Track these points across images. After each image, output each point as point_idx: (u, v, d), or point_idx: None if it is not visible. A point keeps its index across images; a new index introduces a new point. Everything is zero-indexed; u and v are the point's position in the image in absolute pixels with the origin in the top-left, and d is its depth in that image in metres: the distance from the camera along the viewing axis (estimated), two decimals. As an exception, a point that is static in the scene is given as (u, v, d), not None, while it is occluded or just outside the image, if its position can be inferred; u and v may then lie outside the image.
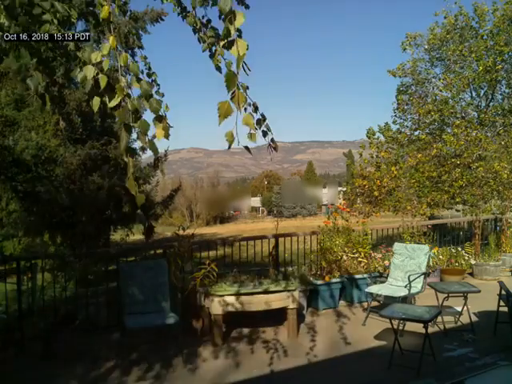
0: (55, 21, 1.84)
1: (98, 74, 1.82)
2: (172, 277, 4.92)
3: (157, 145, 1.95)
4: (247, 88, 1.89)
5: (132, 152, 1.87)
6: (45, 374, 4.06)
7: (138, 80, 1.89)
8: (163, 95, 2.50)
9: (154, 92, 2.53)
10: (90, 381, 3.94)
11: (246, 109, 1.92)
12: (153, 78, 2.61)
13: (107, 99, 1.85)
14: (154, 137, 1.94)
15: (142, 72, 2.54)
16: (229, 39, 1.82)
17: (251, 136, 1.91)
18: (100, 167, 11.07)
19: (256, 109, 2.04)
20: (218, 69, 2.12)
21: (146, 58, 2.64)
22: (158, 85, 2.59)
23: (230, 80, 1.81)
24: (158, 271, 4.70)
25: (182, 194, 39.71)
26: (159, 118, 1.89)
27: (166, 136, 1.90)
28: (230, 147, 1.86)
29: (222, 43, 1.90)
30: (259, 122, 2.03)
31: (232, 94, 1.81)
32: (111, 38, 1.78)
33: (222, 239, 7.69)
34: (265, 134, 2.04)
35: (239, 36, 2.21)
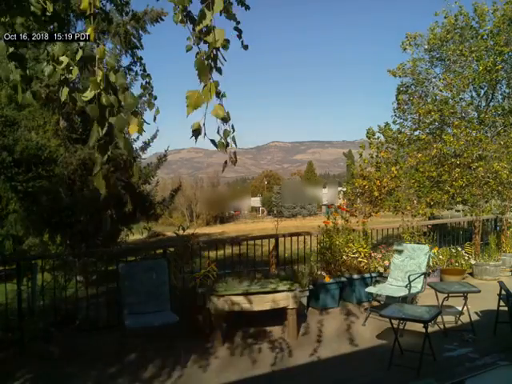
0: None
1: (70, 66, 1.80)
2: (172, 276, 4.92)
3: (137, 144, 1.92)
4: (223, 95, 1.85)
5: (103, 149, 1.83)
6: (45, 373, 4.06)
7: (115, 72, 1.85)
8: (156, 98, 2.50)
9: (147, 94, 2.53)
10: (89, 381, 3.94)
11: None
12: (147, 79, 2.60)
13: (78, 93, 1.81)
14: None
15: (137, 73, 2.53)
16: (207, 25, 1.74)
17: (219, 145, 1.89)
18: (100, 167, 11.04)
19: (226, 119, 1.96)
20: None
21: (141, 58, 2.64)
22: (152, 87, 2.58)
23: (201, 70, 1.75)
24: (158, 271, 4.70)
25: (182, 193, 39.70)
26: (134, 113, 1.86)
27: (140, 131, 1.87)
28: (196, 139, 1.81)
29: (197, 28, 1.80)
30: (226, 134, 1.95)
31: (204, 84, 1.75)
32: (89, 29, 1.75)
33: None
34: (227, 145, 1.96)
35: (239, 36, 2.17)
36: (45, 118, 10.17)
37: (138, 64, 2.73)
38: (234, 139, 1.96)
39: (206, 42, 1.80)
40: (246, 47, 2.27)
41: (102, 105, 1.75)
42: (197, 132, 1.79)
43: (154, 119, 2.39)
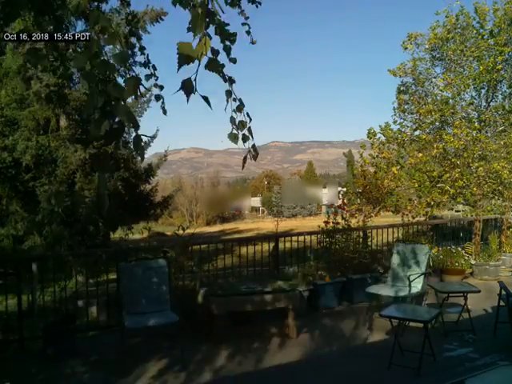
0: None
1: None
2: (172, 276, 4.92)
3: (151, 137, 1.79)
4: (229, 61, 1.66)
5: (115, 134, 1.64)
6: (44, 373, 4.06)
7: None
8: (162, 88, 2.30)
9: (152, 84, 2.44)
10: (89, 381, 3.94)
11: (228, 101, 1.67)
12: (151, 70, 2.53)
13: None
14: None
15: (140, 64, 2.47)
16: None
17: (231, 137, 1.69)
18: (100, 167, 11.04)
19: (240, 107, 1.74)
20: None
21: (144, 48, 2.60)
22: (157, 77, 2.49)
23: (196, 22, 1.52)
24: (158, 271, 4.70)
25: (182, 193, 39.70)
26: (132, 78, 1.65)
27: (135, 93, 1.61)
28: (188, 98, 1.55)
29: None
30: (242, 125, 1.73)
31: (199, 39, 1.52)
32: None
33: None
34: (245, 139, 1.74)
35: (248, 32, 2.08)
36: (45, 118, 10.17)
37: (140, 53, 2.66)
38: (250, 130, 1.73)
39: None
40: (253, 42, 2.21)
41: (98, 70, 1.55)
42: (188, 89, 1.52)
43: (164, 112, 1.99)
